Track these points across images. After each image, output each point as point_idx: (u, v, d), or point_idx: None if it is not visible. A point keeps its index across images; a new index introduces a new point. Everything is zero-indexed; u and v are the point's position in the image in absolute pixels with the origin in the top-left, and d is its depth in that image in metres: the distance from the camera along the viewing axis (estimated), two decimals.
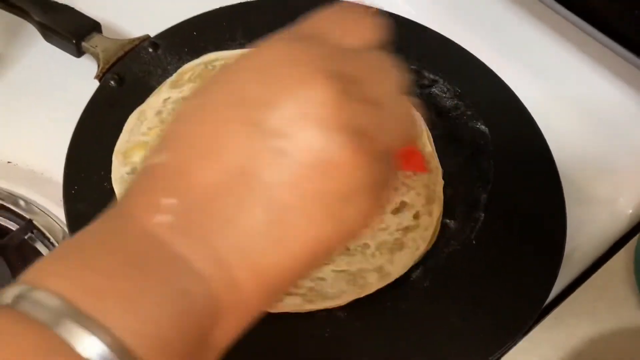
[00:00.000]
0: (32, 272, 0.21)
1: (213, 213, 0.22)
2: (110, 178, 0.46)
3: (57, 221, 0.48)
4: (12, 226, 0.48)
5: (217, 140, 0.22)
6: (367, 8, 0.29)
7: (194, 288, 0.21)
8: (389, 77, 0.26)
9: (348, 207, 0.23)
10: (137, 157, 0.47)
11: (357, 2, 0.31)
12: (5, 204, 0.49)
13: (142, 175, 0.24)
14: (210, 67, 0.53)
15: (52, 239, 0.47)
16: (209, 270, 0.22)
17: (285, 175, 0.22)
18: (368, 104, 0.24)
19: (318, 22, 0.26)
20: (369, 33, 0.26)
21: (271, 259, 0.23)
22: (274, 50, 0.24)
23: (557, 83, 0.57)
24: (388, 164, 0.25)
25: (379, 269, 0.43)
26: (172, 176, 0.23)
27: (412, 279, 0.43)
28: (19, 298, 0.19)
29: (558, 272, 0.44)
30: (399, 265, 0.43)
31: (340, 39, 0.25)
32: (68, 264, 0.21)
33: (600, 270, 0.47)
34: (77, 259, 0.21)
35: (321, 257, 0.24)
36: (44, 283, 0.20)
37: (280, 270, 0.23)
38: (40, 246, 0.47)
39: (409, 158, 0.47)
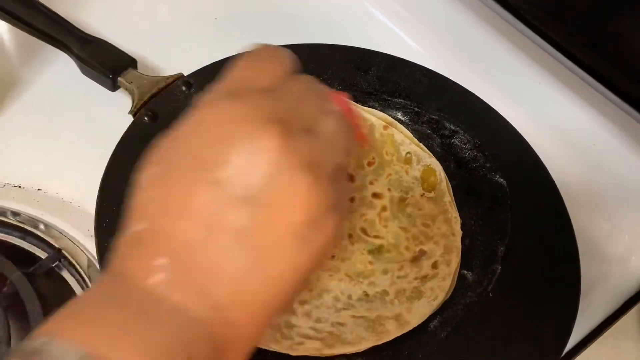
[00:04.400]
0: (49, 325, 0.23)
1: (201, 265, 0.25)
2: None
3: (85, 251, 0.49)
4: (41, 253, 0.49)
5: (188, 201, 0.25)
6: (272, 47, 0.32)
7: (197, 333, 0.24)
8: (315, 98, 0.29)
9: (316, 232, 0.26)
10: None
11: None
12: (34, 231, 0.50)
13: (129, 243, 0.26)
14: None
15: (79, 268, 0.48)
16: (208, 315, 0.25)
17: (255, 218, 0.25)
18: (309, 135, 0.27)
19: (240, 71, 0.29)
20: (283, 65, 0.30)
21: (259, 295, 0.26)
22: (217, 111, 0.27)
23: (577, 141, 0.59)
24: (341, 180, 0.29)
25: (397, 317, 0.44)
26: (157, 240, 0.25)
27: (429, 329, 0.44)
28: (39, 349, 0.21)
29: (572, 329, 0.44)
30: (417, 314, 0.44)
31: (263, 80, 0.28)
32: (82, 319, 0.24)
33: (611, 329, 0.48)
34: (89, 314, 0.24)
35: (301, 282, 0.27)
36: (62, 335, 0.22)
37: (269, 303, 0.26)
38: (67, 275, 0.48)
39: None
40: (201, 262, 0.25)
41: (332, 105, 0.30)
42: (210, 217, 0.25)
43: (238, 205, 0.25)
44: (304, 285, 0.28)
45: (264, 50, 0.31)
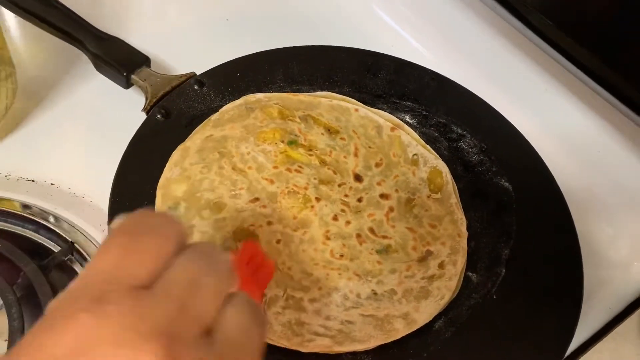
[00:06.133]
0: None
1: None
2: (153, 210, 0.48)
3: (97, 245, 0.50)
4: (53, 247, 0.50)
5: None
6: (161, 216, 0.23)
7: None
8: (212, 278, 0.23)
9: None
10: (178, 192, 0.49)
11: None
12: (47, 224, 0.51)
13: None
14: (249, 107, 0.56)
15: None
16: None
17: None
18: (206, 342, 0.22)
19: (108, 258, 0.23)
20: (169, 240, 0.23)
21: None
22: (76, 328, 0.21)
23: (582, 147, 0.59)
24: None
25: (405, 316, 0.45)
26: None
27: (435, 328, 0.45)
28: None
29: (574, 332, 0.45)
30: (424, 313, 0.45)
31: (140, 268, 0.22)
32: None
33: (612, 333, 0.49)
34: None
35: None
36: None
37: None
38: (79, 268, 0.49)
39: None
40: None
41: (235, 281, 0.24)
42: None
43: None
44: None
45: (143, 221, 0.24)
